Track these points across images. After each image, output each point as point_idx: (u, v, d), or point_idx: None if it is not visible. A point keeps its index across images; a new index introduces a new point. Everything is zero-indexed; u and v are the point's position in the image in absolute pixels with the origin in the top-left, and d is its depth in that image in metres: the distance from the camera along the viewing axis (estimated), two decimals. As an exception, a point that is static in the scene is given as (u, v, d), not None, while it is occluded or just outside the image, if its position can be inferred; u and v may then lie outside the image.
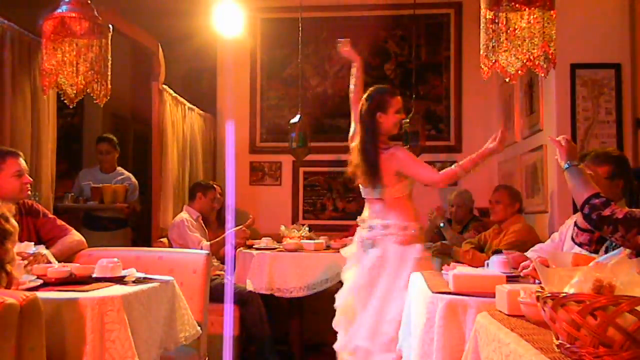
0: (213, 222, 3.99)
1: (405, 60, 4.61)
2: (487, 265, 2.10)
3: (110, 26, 1.89)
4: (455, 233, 3.71)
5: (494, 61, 1.54)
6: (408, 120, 3.81)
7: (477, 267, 2.32)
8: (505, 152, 4.28)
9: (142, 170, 4.34)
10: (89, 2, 1.82)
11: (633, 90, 3.26)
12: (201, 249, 3.40)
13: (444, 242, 3.59)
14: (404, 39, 4.61)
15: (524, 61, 1.51)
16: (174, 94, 3.95)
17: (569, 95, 3.23)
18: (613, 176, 2.09)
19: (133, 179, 4.02)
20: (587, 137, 3.23)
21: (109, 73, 1.80)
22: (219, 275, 3.54)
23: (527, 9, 1.49)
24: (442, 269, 2.50)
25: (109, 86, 1.81)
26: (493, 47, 1.53)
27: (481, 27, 1.60)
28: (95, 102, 1.82)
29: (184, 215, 3.69)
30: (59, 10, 1.75)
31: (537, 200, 3.52)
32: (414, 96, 4.06)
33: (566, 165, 1.67)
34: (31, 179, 2.35)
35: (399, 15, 4.52)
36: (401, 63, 4.63)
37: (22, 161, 2.32)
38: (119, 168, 4.06)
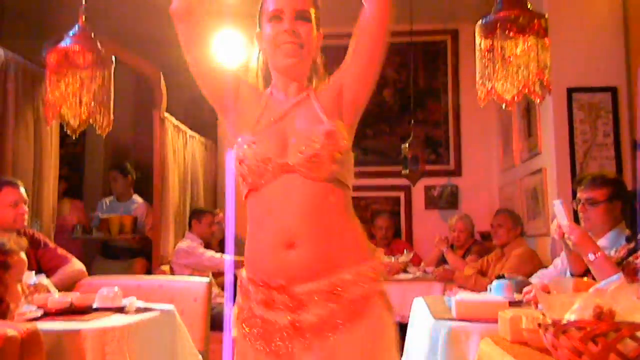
0: (215, 248, 3.99)
1: (403, 87, 4.67)
2: (490, 290, 2.09)
3: (113, 57, 1.92)
4: (457, 257, 3.70)
5: (490, 88, 1.57)
6: (407, 145, 3.84)
7: (480, 292, 2.31)
8: (505, 176, 4.31)
9: (143, 199, 4.35)
10: (92, 35, 1.85)
11: (630, 112, 3.29)
12: (219, 262, 3.41)
13: (446, 266, 3.58)
14: (402, 65, 4.67)
15: (520, 88, 1.53)
16: (176, 123, 3.99)
17: (567, 119, 3.26)
18: (611, 199, 2.10)
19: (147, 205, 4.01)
20: (585, 159, 3.25)
21: (112, 104, 1.82)
22: (220, 303, 3.52)
23: (521, 37, 1.52)
24: (444, 295, 2.49)
25: (112, 117, 1.84)
26: (489, 74, 1.55)
27: (476, 55, 1.63)
28: (97, 133, 1.85)
29: (186, 241, 3.69)
30: (63, 44, 1.79)
31: (539, 223, 3.52)
32: (412, 121, 4.09)
33: (590, 257, 1.70)
34: (26, 210, 2.35)
35: (397, 43, 4.58)
36: (400, 89, 4.69)
37: (20, 191, 2.33)
38: (135, 195, 4.07)
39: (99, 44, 1.84)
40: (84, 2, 1.88)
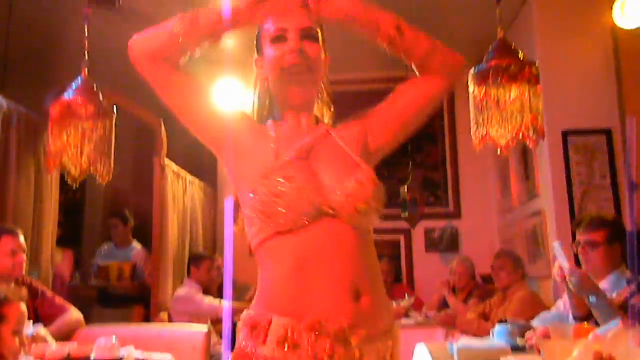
0: (214, 294, 3.94)
1: (401, 130, 4.73)
2: (493, 335, 2.06)
3: (115, 107, 1.96)
4: (459, 301, 3.66)
5: (484, 134, 1.60)
6: (406, 188, 3.86)
7: (482, 337, 2.28)
8: (504, 217, 4.31)
9: (142, 244, 4.33)
10: (94, 87, 1.89)
11: (625, 154, 3.32)
12: (218, 309, 3.36)
13: (448, 311, 3.54)
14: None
15: (514, 134, 1.56)
16: (176, 169, 4.02)
17: (563, 161, 3.29)
18: (610, 241, 2.09)
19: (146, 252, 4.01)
20: (584, 201, 3.26)
21: (112, 153, 1.85)
22: (219, 352, 3.46)
23: (512, 85, 1.56)
24: (447, 341, 2.45)
25: (112, 165, 1.86)
26: (483, 120, 1.59)
27: (470, 102, 1.66)
28: (98, 182, 1.87)
29: (184, 288, 3.66)
30: (66, 96, 1.83)
31: (540, 265, 3.50)
32: (410, 164, 4.13)
33: (592, 300, 1.71)
34: (25, 258, 2.34)
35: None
36: (397, 133, 4.75)
37: (19, 239, 2.33)
38: (134, 242, 4.07)
39: (100, 96, 1.88)
40: (86, 56, 1.94)
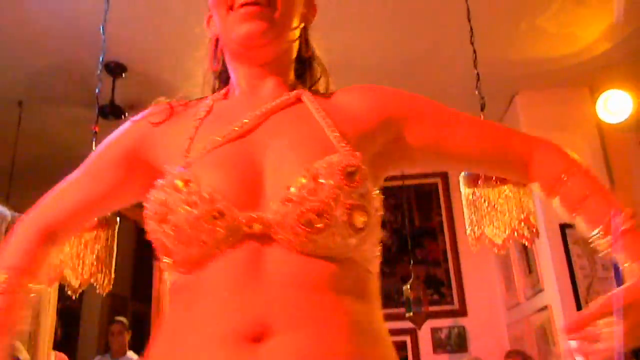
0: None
1: (399, 227, 4.76)
2: None
3: (117, 215, 2.00)
4: (471, 406, 3.48)
5: (480, 234, 1.62)
6: (409, 286, 3.81)
7: None
8: (511, 314, 4.21)
9: (140, 351, 4.20)
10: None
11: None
12: None
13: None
14: (396, 207, 4.81)
15: (508, 232, 1.59)
16: (175, 273, 3.99)
17: (564, 255, 3.29)
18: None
19: None
20: (589, 294, 3.21)
21: (113, 261, 1.87)
22: None
23: (503, 186, 1.62)
24: None
25: (112, 275, 1.87)
26: (477, 220, 1.62)
27: (463, 202, 1.71)
28: (97, 292, 1.87)
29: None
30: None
31: (552, 364, 3.38)
32: (412, 261, 4.10)
33: None
34: None
35: (390, 186, 4.77)
36: (396, 230, 4.77)
37: (16, 345, 2.27)
38: (129, 352, 3.97)
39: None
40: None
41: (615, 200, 0.80)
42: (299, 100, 0.78)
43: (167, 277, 0.75)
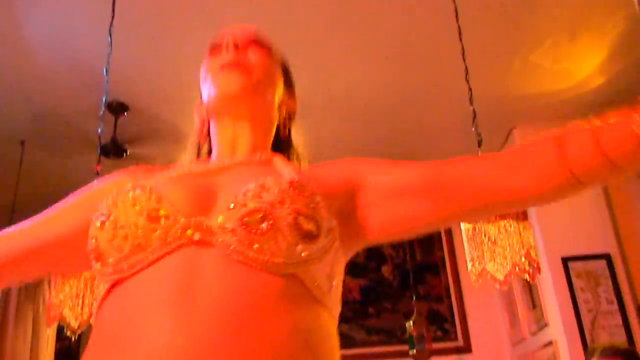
0: None
1: (401, 262, 4.73)
2: None
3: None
4: None
5: (481, 270, 1.62)
6: (412, 323, 3.76)
7: None
8: (516, 350, 4.15)
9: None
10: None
11: (628, 278, 3.30)
12: None
13: None
14: (397, 241, 4.80)
15: (509, 268, 1.59)
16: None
17: (567, 288, 3.26)
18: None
19: None
20: (594, 328, 3.17)
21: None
22: None
23: (502, 221, 1.62)
24: None
25: (112, 315, 1.86)
26: (478, 257, 1.62)
27: (463, 238, 1.71)
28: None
29: None
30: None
31: (560, 401, 3.30)
32: (414, 297, 4.06)
33: None
34: None
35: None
36: (398, 265, 4.74)
37: None
38: None
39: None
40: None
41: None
42: (269, 161, 0.79)
43: (96, 292, 0.69)
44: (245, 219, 0.60)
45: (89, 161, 2.84)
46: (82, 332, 1.85)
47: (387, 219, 0.74)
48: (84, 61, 2.91)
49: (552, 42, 2.94)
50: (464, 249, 1.77)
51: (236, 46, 0.82)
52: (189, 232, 0.61)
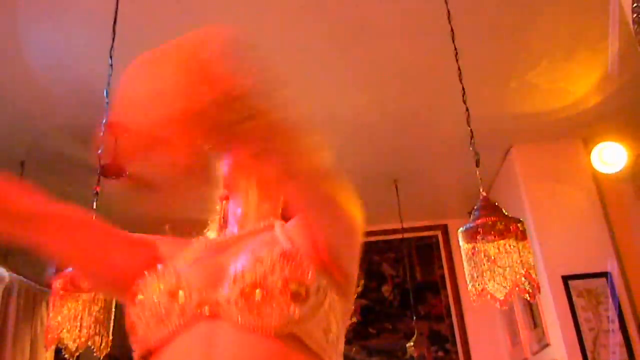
0: None
1: (401, 281, 4.71)
2: None
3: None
4: None
5: (481, 289, 1.61)
6: (412, 343, 3.73)
7: None
8: (517, 369, 4.10)
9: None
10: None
11: (629, 296, 3.29)
12: None
13: None
14: (397, 260, 4.78)
15: (509, 287, 1.58)
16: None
17: (568, 307, 3.24)
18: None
19: None
20: (596, 347, 3.15)
21: (112, 324, 1.84)
22: None
23: (501, 241, 1.62)
24: None
25: (110, 337, 1.84)
26: (477, 276, 1.62)
27: (463, 257, 1.71)
28: (94, 354, 1.83)
29: None
30: (69, 269, 1.87)
31: (563, 423, 3.26)
32: (414, 317, 4.04)
33: None
34: None
35: (390, 240, 4.75)
36: (398, 284, 4.72)
37: None
38: None
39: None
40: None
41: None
42: (271, 226, 0.92)
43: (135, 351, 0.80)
44: (245, 290, 0.72)
45: (88, 182, 2.85)
46: (79, 355, 1.83)
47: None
48: (84, 83, 2.93)
49: (548, 63, 2.97)
50: (463, 268, 1.77)
51: None
52: (201, 309, 0.75)
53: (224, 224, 1.00)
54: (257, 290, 0.72)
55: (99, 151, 2.30)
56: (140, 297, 0.77)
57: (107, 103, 2.29)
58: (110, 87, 2.33)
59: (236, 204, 0.98)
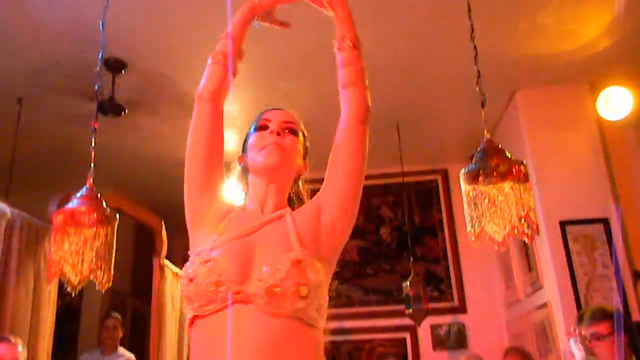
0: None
1: (399, 224, 4.76)
2: None
3: (117, 213, 2.00)
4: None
5: (480, 230, 1.62)
6: (409, 283, 3.81)
7: None
8: (511, 310, 4.22)
9: (139, 348, 4.21)
10: (99, 195, 1.95)
11: (625, 242, 3.32)
12: None
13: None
14: (396, 204, 4.81)
15: (508, 229, 1.59)
16: (175, 270, 3.99)
17: (564, 252, 3.29)
18: (615, 332, 2.05)
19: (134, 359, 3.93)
20: (588, 292, 3.21)
21: (113, 259, 1.86)
22: None
23: (502, 183, 1.61)
24: None
25: (112, 272, 1.86)
26: (477, 217, 1.62)
27: (463, 199, 1.71)
28: (97, 288, 1.86)
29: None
30: (70, 205, 1.87)
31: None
32: (411, 259, 4.10)
33: None
34: None
35: (390, 183, 4.77)
36: (396, 227, 4.77)
37: (15, 350, 2.27)
38: (120, 348, 3.97)
39: (104, 203, 1.93)
40: (92, 167, 2.01)
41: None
42: (282, 216, 1.22)
43: (187, 311, 1.13)
44: (268, 289, 1.06)
45: (86, 119, 2.81)
46: (83, 289, 1.87)
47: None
48: (81, 16, 2.84)
49: (559, 3, 2.87)
50: (462, 212, 1.77)
51: (278, 133, 1.26)
52: (237, 296, 1.08)
53: (254, 199, 1.28)
54: (277, 289, 1.05)
55: (97, 87, 2.25)
56: (195, 281, 1.09)
57: (103, 37, 2.22)
58: (107, 20, 2.26)
59: (259, 186, 1.27)
